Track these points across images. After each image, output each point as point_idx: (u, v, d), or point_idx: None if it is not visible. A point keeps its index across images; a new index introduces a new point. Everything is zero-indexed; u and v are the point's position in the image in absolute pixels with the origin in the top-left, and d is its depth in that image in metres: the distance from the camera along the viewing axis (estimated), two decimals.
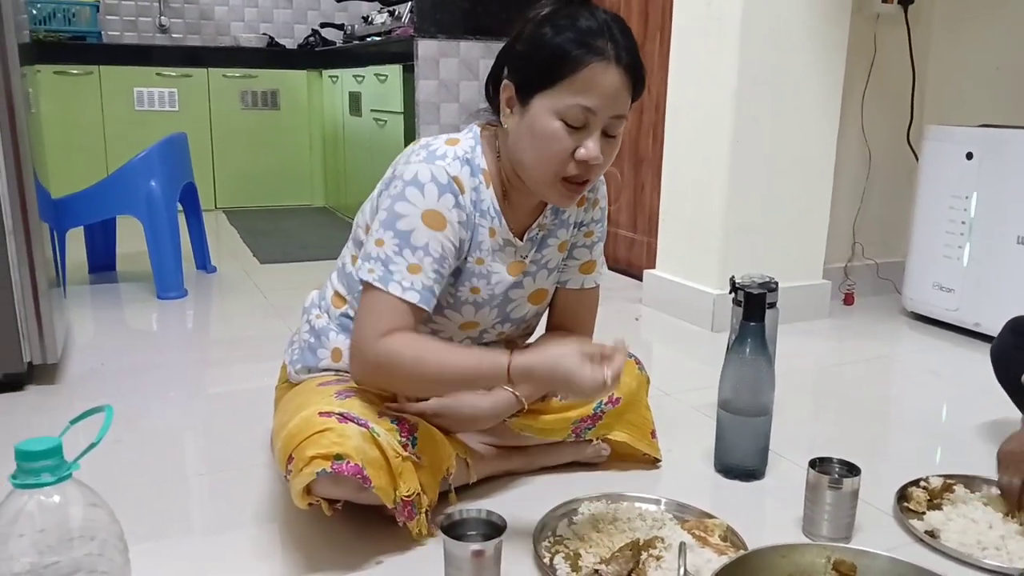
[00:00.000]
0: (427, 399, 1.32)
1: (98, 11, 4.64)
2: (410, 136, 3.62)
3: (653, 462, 1.56)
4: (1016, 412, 1.58)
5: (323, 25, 5.11)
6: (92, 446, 0.88)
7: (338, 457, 1.14)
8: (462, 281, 1.31)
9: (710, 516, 1.30)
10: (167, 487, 1.48)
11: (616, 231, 3.25)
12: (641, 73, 1.22)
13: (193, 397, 1.98)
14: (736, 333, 1.53)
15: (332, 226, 4.34)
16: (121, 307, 2.73)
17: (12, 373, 1.89)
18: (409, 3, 3.62)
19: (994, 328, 1.77)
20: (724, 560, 1.13)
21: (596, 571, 1.14)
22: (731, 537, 1.25)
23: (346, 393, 1.28)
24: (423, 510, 1.24)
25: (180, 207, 2.94)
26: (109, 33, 4.90)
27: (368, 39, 4.19)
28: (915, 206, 2.59)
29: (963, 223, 2.42)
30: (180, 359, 2.25)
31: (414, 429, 1.26)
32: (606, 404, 1.46)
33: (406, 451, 1.22)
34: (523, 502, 1.39)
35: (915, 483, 1.44)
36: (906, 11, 2.70)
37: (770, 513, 1.43)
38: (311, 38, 5.11)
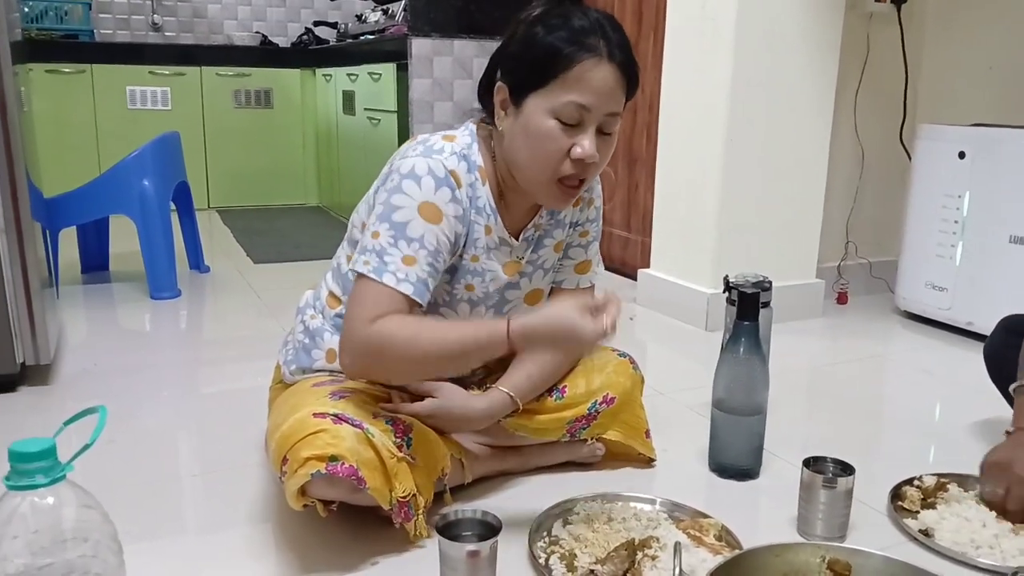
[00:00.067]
0: (422, 399, 1.32)
1: (90, 9, 4.62)
2: (404, 135, 3.62)
3: (648, 462, 1.56)
4: (1009, 411, 1.59)
5: (316, 23, 5.10)
6: (86, 447, 0.88)
7: (332, 458, 1.13)
8: (457, 279, 1.31)
9: (705, 516, 1.31)
10: (161, 487, 1.48)
11: (610, 230, 3.25)
12: (634, 70, 1.23)
13: (186, 397, 1.98)
14: (730, 332, 1.53)
15: (326, 225, 4.33)
16: (114, 307, 2.72)
17: (5, 374, 1.88)
18: (403, 1, 3.61)
19: (987, 327, 1.78)
20: (719, 560, 1.13)
21: (592, 571, 1.15)
22: (726, 536, 1.25)
23: (341, 394, 1.28)
24: (420, 511, 1.24)
25: (173, 206, 2.93)
26: (101, 31, 4.88)
27: (362, 37, 4.18)
28: (908, 205, 2.60)
29: (956, 222, 2.43)
30: (173, 359, 2.25)
31: (409, 430, 1.26)
32: (600, 404, 1.46)
33: (401, 452, 1.21)
34: (518, 502, 1.39)
35: (909, 482, 1.44)
36: (899, 10, 2.71)
37: (764, 512, 1.43)
38: (304, 36, 5.10)
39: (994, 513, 1.33)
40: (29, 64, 3.30)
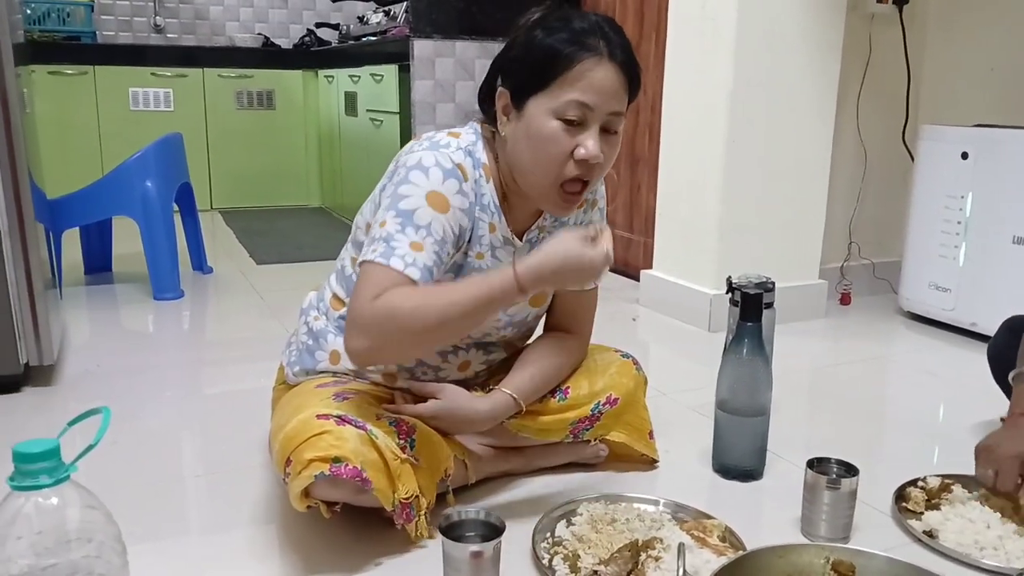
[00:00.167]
0: (425, 400, 1.32)
1: (93, 11, 4.63)
2: (406, 136, 3.62)
3: (651, 463, 1.56)
4: None
5: (318, 25, 5.10)
6: (90, 448, 0.88)
7: (336, 460, 1.13)
8: (462, 276, 1.31)
9: (708, 516, 1.30)
10: (164, 488, 1.48)
11: (613, 231, 3.24)
12: (636, 71, 1.23)
13: (190, 398, 1.98)
14: (733, 333, 1.53)
15: (328, 226, 4.33)
16: (117, 308, 2.73)
17: (8, 375, 1.88)
18: (405, 3, 3.62)
19: (990, 328, 1.77)
20: (723, 561, 1.12)
21: (595, 572, 1.14)
22: (729, 537, 1.25)
23: (344, 395, 1.28)
24: (421, 512, 1.24)
25: (176, 208, 2.93)
26: (104, 33, 4.89)
27: (364, 39, 4.19)
28: (911, 206, 2.60)
29: (959, 223, 2.42)
30: (176, 360, 2.25)
31: (412, 431, 1.26)
32: (604, 405, 1.46)
33: (404, 453, 1.21)
34: (522, 503, 1.39)
35: (913, 483, 1.44)
36: (901, 11, 2.71)
37: (768, 513, 1.43)
38: (306, 38, 5.10)
39: (998, 514, 1.33)
40: (32, 66, 3.30)
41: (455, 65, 3.61)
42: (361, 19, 4.33)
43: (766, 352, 1.48)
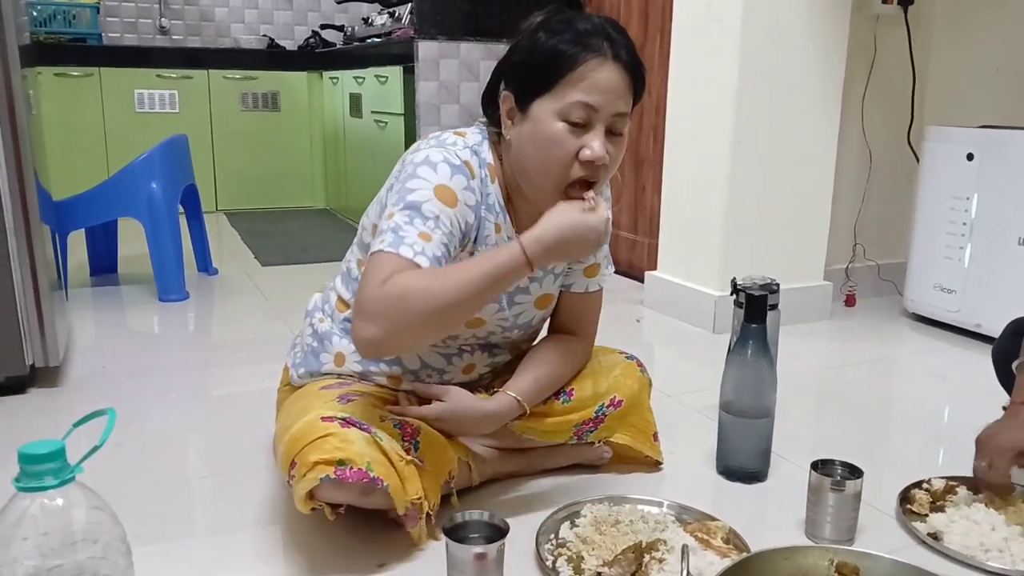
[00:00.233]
0: (429, 402, 1.32)
1: (98, 13, 4.64)
2: (411, 137, 3.62)
3: (655, 464, 1.56)
4: None
5: (323, 27, 5.11)
6: (95, 449, 0.88)
7: (341, 463, 1.13)
8: None
9: (712, 518, 1.30)
10: (169, 489, 1.48)
11: (617, 232, 3.25)
12: (641, 71, 1.23)
13: (195, 399, 1.98)
14: (737, 335, 1.53)
15: (333, 228, 4.34)
16: (123, 309, 2.73)
17: (14, 376, 1.89)
18: (409, 4, 3.62)
19: (995, 329, 1.77)
20: (727, 562, 1.12)
21: (599, 573, 1.14)
22: (733, 539, 1.25)
23: (348, 397, 1.28)
24: (423, 514, 1.24)
25: (181, 209, 2.94)
26: (109, 35, 4.90)
27: (368, 40, 4.19)
28: (916, 207, 2.59)
29: (964, 224, 2.42)
30: (182, 361, 2.25)
31: (416, 433, 1.26)
32: (608, 407, 1.46)
33: (409, 455, 1.21)
34: (525, 504, 1.39)
35: (917, 485, 1.44)
36: (906, 12, 2.70)
37: (772, 515, 1.43)
38: (311, 39, 5.11)
39: (1003, 517, 1.32)
40: (38, 67, 3.30)
41: (460, 67, 3.61)
42: (366, 21, 4.34)
43: (770, 354, 1.48)
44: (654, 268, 2.78)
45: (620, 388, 1.48)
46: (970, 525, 1.31)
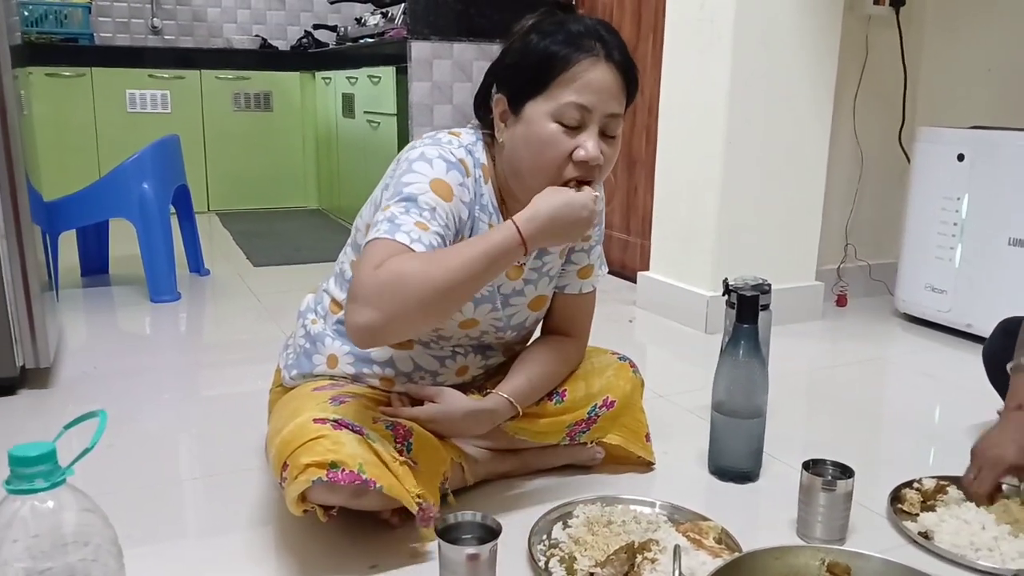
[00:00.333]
0: (422, 404, 1.32)
1: (90, 13, 4.62)
2: (403, 138, 3.62)
3: (647, 465, 1.56)
4: None
5: (316, 27, 5.10)
6: (86, 451, 0.88)
7: (333, 465, 1.13)
8: None
9: (704, 518, 1.31)
10: (161, 491, 1.48)
11: (610, 233, 3.26)
12: (633, 72, 1.23)
13: (186, 401, 1.98)
14: (729, 335, 1.53)
15: (326, 228, 4.33)
16: (114, 310, 2.73)
17: (4, 377, 1.88)
18: (402, 5, 3.62)
19: (986, 329, 1.78)
20: (719, 562, 1.13)
21: (591, 574, 1.15)
22: (725, 539, 1.25)
23: (341, 399, 1.28)
24: (436, 509, 1.22)
25: (173, 210, 2.93)
26: (101, 35, 4.89)
27: (361, 41, 4.19)
28: (907, 207, 2.60)
29: (955, 224, 2.43)
30: (173, 362, 2.25)
31: (409, 435, 1.25)
32: (600, 408, 1.47)
33: (402, 456, 1.21)
34: (518, 505, 1.40)
35: (908, 484, 1.44)
36: (897, 13, 2.71)
37: (764, 515, 1.43)
38: (304, 40, 5.10)
39: (993, 516, 1.33)
40: (29, 68, 3.30)
41: (452, 67, 3.61)
42: (359, 21, 4.33)
43: (762, 354, 1.48)
44: (646, 268, 2.79)
45: (612, 389, 1.48)
46: (960, 524, 1.31)
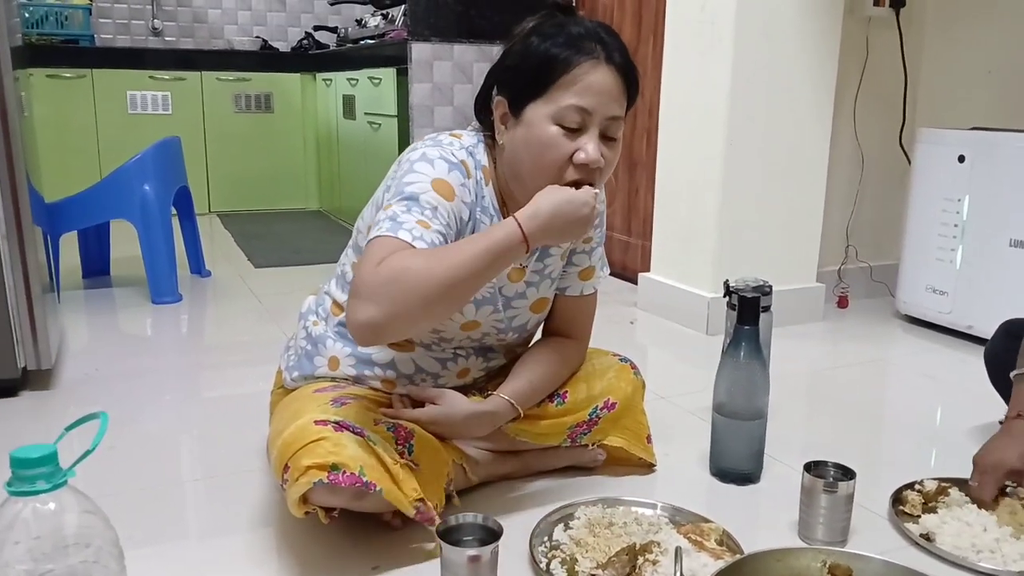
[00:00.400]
0: (423, 405, 1.32)
1: (91, 14, 4.62)
2: (404, 139, 3.62)
3: (648, 466, 1.56)
4: None
5: (316, 28, 5.11)
6: (87, 453, 0.88)
7: (334, 467, 1.13)
8: None
9: (706, 520, 1.30)
10: (162, 492, 1.48)
11: (610, 234, 3.26)
12: (634, 75, 1.23)
13: (188, 402, 1.98)
14: (730, 337, 1.53)
15: (326, 230, 4.34)
16: (115, 312, 2.73)
17: (6, 379, 1.88)
18: (403, 6, 3.62)
19: (987, 331, 1.78)
20: (720, 564, 1.13)
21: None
22: (727, 541, 1.25)
23: (342, 400, 1.28)
24: (437, 510, 1.22)
25: (174, 211, 2.93)
26: (102, 36, 4.89)
27: (362, 42, 4.19)
28: (908, 209, 2.60)
29: (955, 226, 2.43)
30: (175, 364, 2.25)
31: (410, 437, 1.25)
32: (602, 409, 1.46)
33: (403, 458, 1.21)
34: (519, 507, 1.40)
35: (910, 486, 1.44)
36: (898, 14, 2.71)
37: (765, 517, 1.43)
38: (304, 41, 5.11)
39: (995, 517, 1.33)
40: (30, 69, 3.30)
41: (453, 68, 3.61)
42: (359, 22, 4.34)
43: (763, 355, 1.48)
44: (647, 270, 2.79)
45: (614, 390, 1.48)
46: (962, 526, 1.31)
